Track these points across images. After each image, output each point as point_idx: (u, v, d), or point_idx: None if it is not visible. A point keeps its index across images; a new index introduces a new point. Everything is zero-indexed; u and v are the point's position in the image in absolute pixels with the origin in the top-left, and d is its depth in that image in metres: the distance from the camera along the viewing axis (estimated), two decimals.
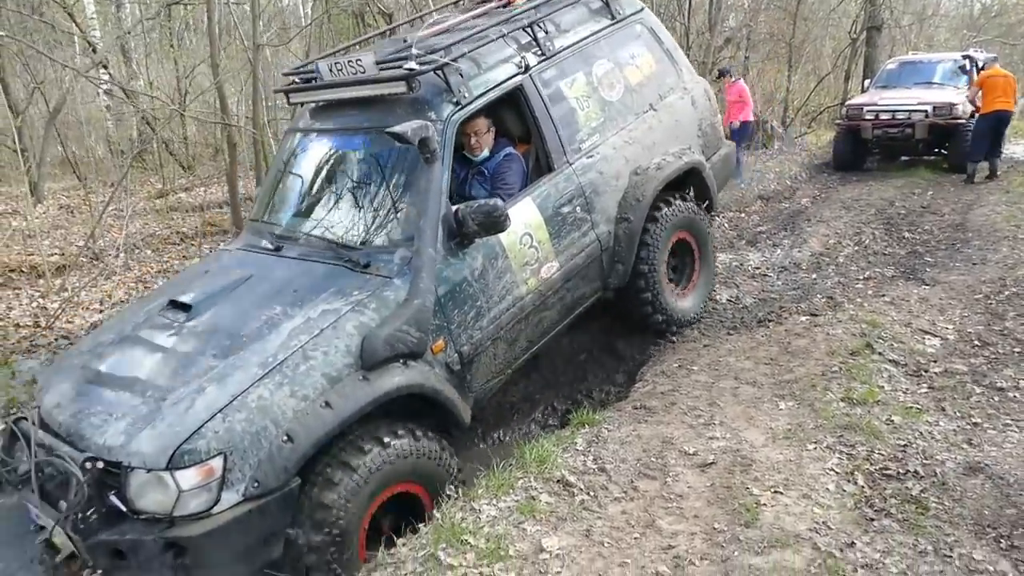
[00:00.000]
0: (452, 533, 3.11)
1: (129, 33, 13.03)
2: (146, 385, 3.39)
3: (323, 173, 4.52)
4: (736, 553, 2.85)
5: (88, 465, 3.09)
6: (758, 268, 7.32)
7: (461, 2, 6.03)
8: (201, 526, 3.02)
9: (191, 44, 15.48)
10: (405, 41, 4.50)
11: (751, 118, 12.08)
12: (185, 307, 3.84)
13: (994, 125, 10.57)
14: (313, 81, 4.42)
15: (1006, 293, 5.98)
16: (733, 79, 11.96)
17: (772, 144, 14.88)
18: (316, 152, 4.60)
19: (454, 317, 3.88)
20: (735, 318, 5.76)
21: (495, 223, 3.80)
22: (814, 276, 7.10)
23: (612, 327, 5.71)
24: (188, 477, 3.02)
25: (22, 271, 7.58)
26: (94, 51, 11.08)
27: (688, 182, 5.52)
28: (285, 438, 3.17)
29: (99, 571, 3.15)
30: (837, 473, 3.37)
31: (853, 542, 2.86)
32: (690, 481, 3.43)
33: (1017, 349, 4.77)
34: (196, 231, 8.88)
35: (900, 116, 11.31)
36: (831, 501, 3.15)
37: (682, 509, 3.22)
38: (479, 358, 4.04)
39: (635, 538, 3.06)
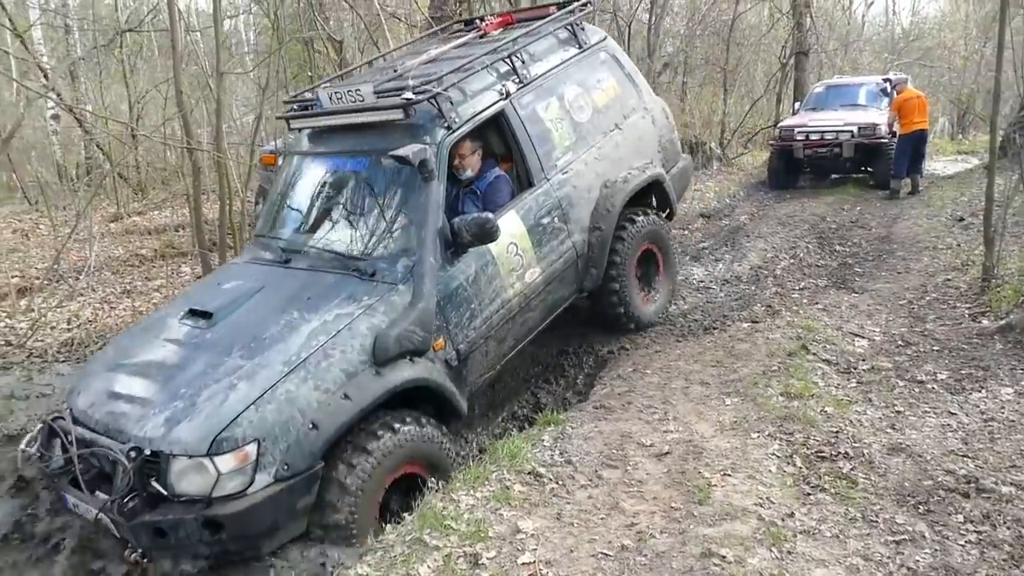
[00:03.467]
0: (435, 519, 3.40)
1: (83, 59, 13.06)
2: (178, 384, 3.66)
3: (325, 191, 4.86)
4: (691, 526, 3.21)
5: (132, 454, 3.36)
6: (702, 281, 7.76)
7: (436, 33, 6.58)
8: (238, 504, 3.34)
9: (143, 70, 15.52)
10: (395, 71, 4.89)
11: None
12: (206, 315, 4.11)
13: (914, 143, 11.30)
14: (311, 108, 4.75)
15: (927, 298, 6.53)
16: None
17: (712, 165, 15.53)
18: (317, 172, 4.96)
19: (452, 318, 4.30)
20: (683, 327, 6.16)
21: (488, 233, 4.22)
22: (754, 288, 7.55)
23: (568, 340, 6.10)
24: (226, 462, 3.34)
25: None
26: (46, 76, 11.12)
27: (651, 192, 6.04)
28: (311, 426, 3.52)
29: (139, 550, 3.47)
30: (778, 457, 3.76)
31: (793, 513, 3.25)
32: (648, 469, 3.78)
33: (936, 347, 5.27)
34: (155, 253, 9.00)
35: (828, 136, 11.91)
36: (773, 480, 3.55)
37: (642, 492, 3.57)
38: (473, 355, 4.46)
39: (601, 518, 3.39)
